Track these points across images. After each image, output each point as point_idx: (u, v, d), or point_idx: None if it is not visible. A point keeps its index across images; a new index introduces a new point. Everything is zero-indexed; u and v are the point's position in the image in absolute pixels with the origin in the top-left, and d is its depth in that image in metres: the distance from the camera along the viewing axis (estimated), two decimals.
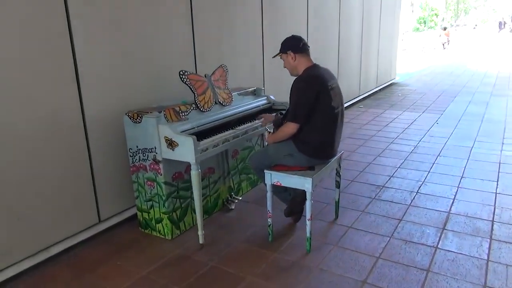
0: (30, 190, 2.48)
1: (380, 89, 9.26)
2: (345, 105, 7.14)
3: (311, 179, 2.51)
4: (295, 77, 2.65)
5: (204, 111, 2.97)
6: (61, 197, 2.66)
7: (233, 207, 3.33)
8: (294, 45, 2.66)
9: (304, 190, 2.57)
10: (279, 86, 4.82)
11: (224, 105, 3.18)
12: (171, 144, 2.60)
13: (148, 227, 2.96)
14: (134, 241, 2.88)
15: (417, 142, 5.09)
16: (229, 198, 3.39)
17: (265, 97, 3.68)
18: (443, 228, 2.92)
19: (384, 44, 9.05)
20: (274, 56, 2.81)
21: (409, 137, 5.34)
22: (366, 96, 8.33)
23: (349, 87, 7.34)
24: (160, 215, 2.85)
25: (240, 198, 3.47)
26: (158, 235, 2.92)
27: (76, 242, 2.77)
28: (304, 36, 5.53)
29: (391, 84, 10.11)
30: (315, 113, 2.55)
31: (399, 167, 4.20)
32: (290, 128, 2.58)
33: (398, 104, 7.66)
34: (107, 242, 2.87)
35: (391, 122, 6.24)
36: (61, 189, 2.65)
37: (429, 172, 4.04)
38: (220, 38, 3.94)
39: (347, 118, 6.28)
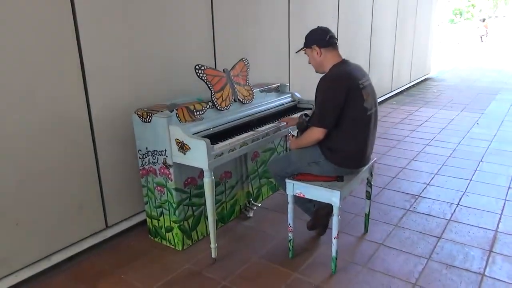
0: (31, 193, 2.27)
1: (413, 85, 8.73)
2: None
3: (339, 192, 2.19)
4: (321, 75, 2.33)
5: (222, 110, 2.69)
6: (65, 200, 2.45)
7: (251, 214, 3.05)
8: (320, 39, 2.33)
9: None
10: (306, 82, 4.48)
11: (244, 103, 2.89)
12: (182, 147, 2.33)
13: (158, 235, 2.72)
14: (142, 250, 2.65)
15: (456, 145, 4.65)
16: (247, 205, 3.11)
17: (290, 94, 3.36)
18: (490, 251, 2.55)
19: (419, 36, 8.50)
20: (298, 51, 2.48)
21: (446, 138, 4.90)
22: (398, 92, 7.85)
23: (380, 82, 6.90)
24: (171, 223, 2.60)
25: (260, 204, 3.18)
26: (168, 245, 2.68)
27: (80, 250, 2.55)
28: (333, 27, 5.17)
29: (425, 79, 9.54)
30: (344, 116, 2.22)
31: (436, 174, 3.80)
32: (316, 133, 2.26)
33: (433, 101, 7.16)
34: (113, 251, 2.65)
35: (426, 121, 5.79)
36: (64, 192, 2.44)
37: (470, 180, 3.63)
38: (243, 30, 3.64)
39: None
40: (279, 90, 3.35)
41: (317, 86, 2.28)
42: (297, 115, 2.99)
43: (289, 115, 3.09)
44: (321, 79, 2.28)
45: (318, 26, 2.41)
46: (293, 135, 2.56)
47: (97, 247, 2.65)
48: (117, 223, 2.79)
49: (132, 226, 2.86)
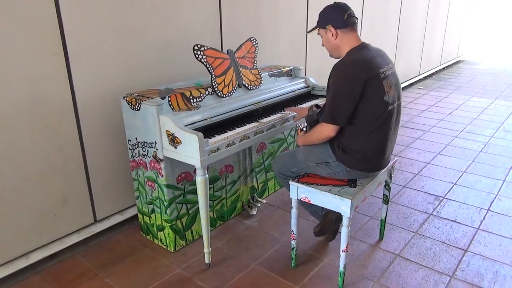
0: (8, 185, 2.05)
1: (444, 68, 8.15)
2: (403, 85, 6.25)
3: (350, 200, 1.88)
4: (336, 61, 1.98)
5: (223, 97, 2.38)
6: (47, 192, 2.22)
7: (254, 212, 2.77)
8: (336, 18, 1.96)
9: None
10: (325, 65, 4.10)
11: (250, 89, 2.57)
12: (173, 140, 2.05)
13: (150, 233, 2.49)
14: (131, 250, 2.42)
15: (489, 138, 4.22)
16: (251, 201, 2.84)
17: (304, 79, 3.01)
18: None
19: (454, 15, 7.85)
20: (310, 31, 2.12)
21: (478, 130, 4.46)
22: (427, 76, 7.32)
23: (408, 64, 6.41)
24: (162, 222, 2.35)
25: (265, 201, 2.90)
26: (160, 244, 2.44)
27: (64, 247, 2.34)
28: (359, 3, 4.71)
29: (457, 62, 8.91)
30: (360, 111, 1.88)
31: (464, 172, 3.42)
32: (326, 131, 1.94)
33: (465, 87, 6.62)
34: (100, 249, 2.44)
35: (456, 109, 5.32)
36: (46, 183, 2.21)
37: (504, 181, 3.24)
38: (255, 3, 3.27)
39: (403, 101, 5.40)
40: (292, 74, 3.01)
41: (330, 75, 1.94)
42: (307, 105, 2.66)
43: (301, 103, 2.77)
44: (334, 66, 1.93)
45: (335, 2, 2.04)
46: (301, 129, 2.24)
47: (83, 244, 2.44)
48: (107, 217, 2.57)
49: (124, 220, 2.63)
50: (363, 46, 1.97)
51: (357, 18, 2.01)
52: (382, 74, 1.89)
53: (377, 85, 1.87)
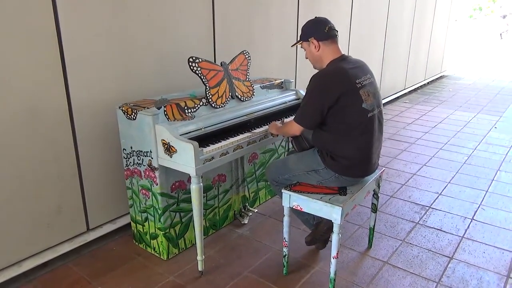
0: (2, 193, 2.06)
1: (428, 82, 8.37)
2: (389, 99, 6.42)
3: (340, 208, 1.94)
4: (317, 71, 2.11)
5: (217, 108, 2.44)
6: (41, 201, 2.23)
7: (246, 221, 2.81)
8: (318, 31, 2.08)
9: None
10: None
11: (243, 101, 2.64)
12: (168, 149, 2.10)
13: (143, 241, 2.51)
14: (124, 258, 2.43)
15: (472, 150, 4.35)
16: (243, 210, 2.88)
17: (294, 91, 3.09)
18: (508, 276, 2.28)
19: (437, 32, 8.11)
20: (293, 45, 2.24)
21: (461, 143, 4.60)
22: (412, 90, 7.51)
23: (394, 79, 6.57)
24: (155, 230, 2.38)
25: (256, 210, 2.94)
26: (153, 252, 2.46)
27: (57, 255, 2.34)
28: (347, 20, 4.86)
29: (441, 77, 9.15)
30: (342, 119, 1.99)
31: (449, 182, 3.52)
32: (293, 129, 2.15)
33: (449, 101, 6.81)
34: (93, 257, 2.45)
35: (440, 122, 5.47)
36: (40, 192, 2.22)
37: (486, 191, 3.35)
38: (247, 19, 3.36)
39: (389, 115, 5.58)
40: (283, 86, 3.09)
41: (309, 82, 2.05)
42: (289, 119, 2.72)
43: (292, 115, 2.84)
44: (313, 76, 2.05)
45: (316, 17, 2.18)
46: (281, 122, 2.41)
47: (75, 253, 2.44)
48: (100, 225, 2.58)
49: (117, 229, 2.65)
50: (343, 58, 2.08)
51: (337, 31, 2.12)
52: (358, 84, 2.00)
53: (354, 95, 1.98)
